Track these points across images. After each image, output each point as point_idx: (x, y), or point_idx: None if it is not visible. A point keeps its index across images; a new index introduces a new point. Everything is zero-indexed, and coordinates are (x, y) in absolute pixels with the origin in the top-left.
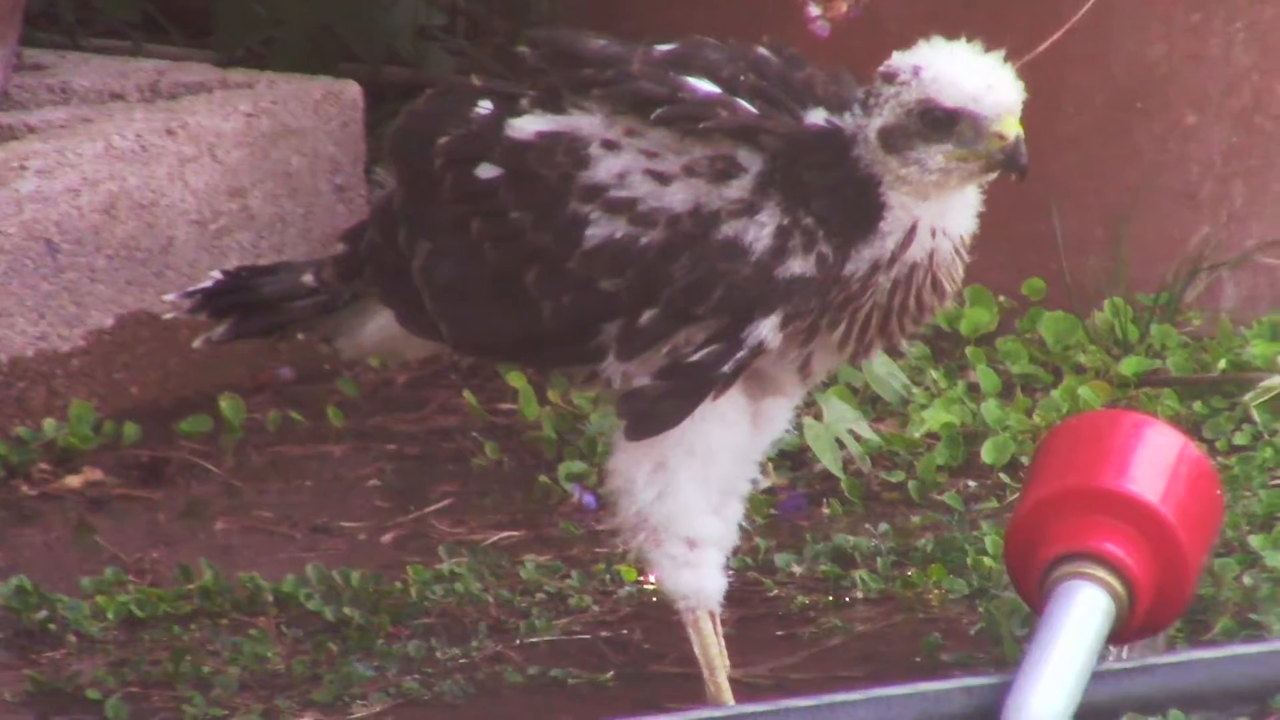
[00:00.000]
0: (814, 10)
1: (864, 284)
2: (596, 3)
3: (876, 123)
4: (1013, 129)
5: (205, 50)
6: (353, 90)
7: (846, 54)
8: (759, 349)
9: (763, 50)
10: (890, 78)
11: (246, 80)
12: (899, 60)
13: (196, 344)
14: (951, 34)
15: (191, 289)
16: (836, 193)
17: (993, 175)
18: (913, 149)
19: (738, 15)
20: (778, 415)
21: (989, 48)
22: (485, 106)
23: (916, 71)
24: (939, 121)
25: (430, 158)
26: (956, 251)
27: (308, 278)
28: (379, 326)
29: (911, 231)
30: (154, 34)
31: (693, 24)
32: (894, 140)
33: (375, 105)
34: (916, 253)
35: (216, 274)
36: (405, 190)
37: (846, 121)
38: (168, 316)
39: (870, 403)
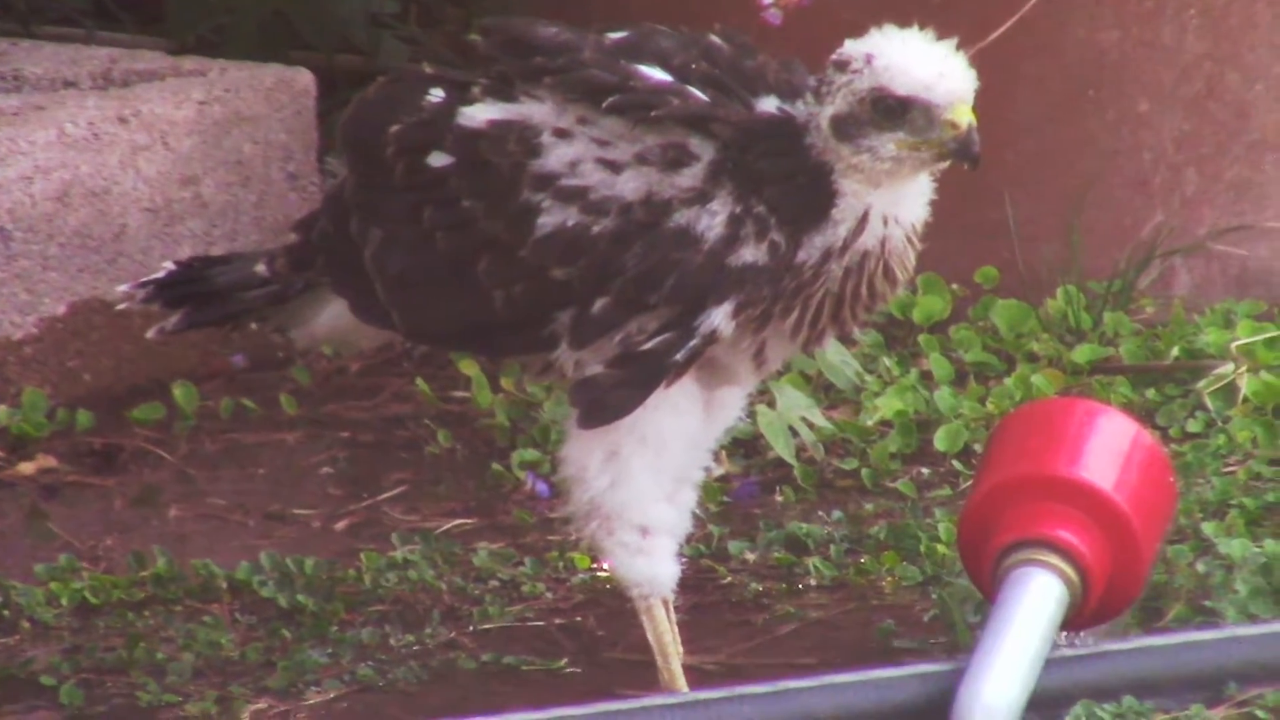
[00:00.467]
0: None
1: (816, 271)
2: None
3: (829, 111)
4: (965, 117)
5: (158, 38)
6: (305, 78)
7: (799, 42)
8: (711, 337)
9: (714, 38)
10: (842, 66)
11: (199, 68)
12: (851, 48)
13: (150, 334)
14: (904, 22)
15: (144, 279)
16: (789, 181)
17: (945, 164)
18: (865, 137)
19: (690, 3)
20: (731, 403)
21: (941, 36)
22: (437, 95)
23: (869, 59)
24: (891, 109)
25: (382, 146)
26: (909, 239)
27: (260, 268)
28: (332, 316)
29: (864, 219)
30: (106, 22)
31: (645, 11)
32: (846, 128)
33: (328, 93)
34: (868, 240)
35: (169, 265)
36: (357, 179)
37: (799, 110)
38: (121, 307)
39: (823, 390)
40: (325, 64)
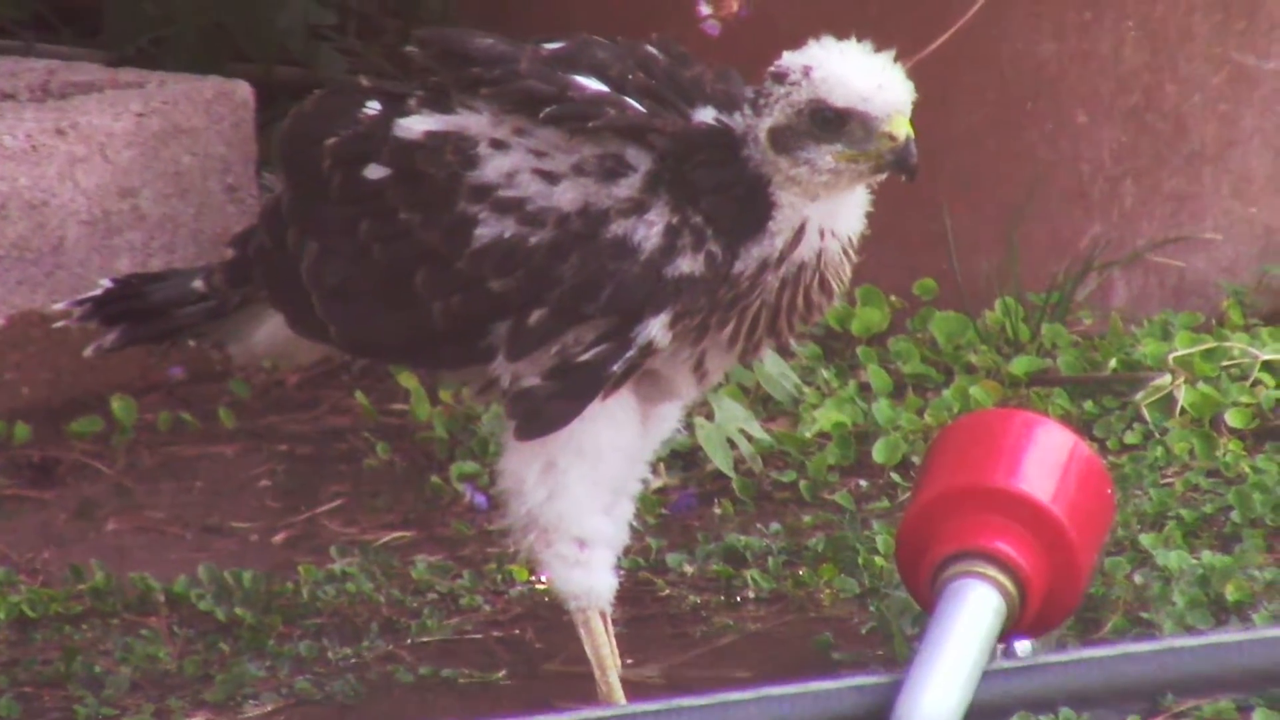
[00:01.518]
0: (704, 9)
1: (753, 282)
2: (488, 1)
3: (766, 122)
4: (903, 129)
5: (96, 50)
6: (244, 90)
7: (737, 53)
8: (649, 349)
9: (650, 48)
10: (780, 77)
11: (137, 80)
12: (789, 60)
13: (88, 352)
14: (842, 34)
15: (81, 297)
16: (725, 191)
17: (883, 176)
18: (803, 149)
19: (628, 13)
20: (668, 415)
21: (879, 48)
22: (373, 107)
23: (807, 71)
24: (829, 121)
25: (318, 158)
26: (845, 252)
27: (197, 283)
28: (269, 331)
29: (800, 231)
30: (45, 33)
31: (583, 21)
32: (784, 140)
33: (266, 105)
34: (805, 252)
35: (106, 282)
36: (293, 192)
37: (736, 121)
38: (57, 325)
39: (762, 402)
40: (264, 76)
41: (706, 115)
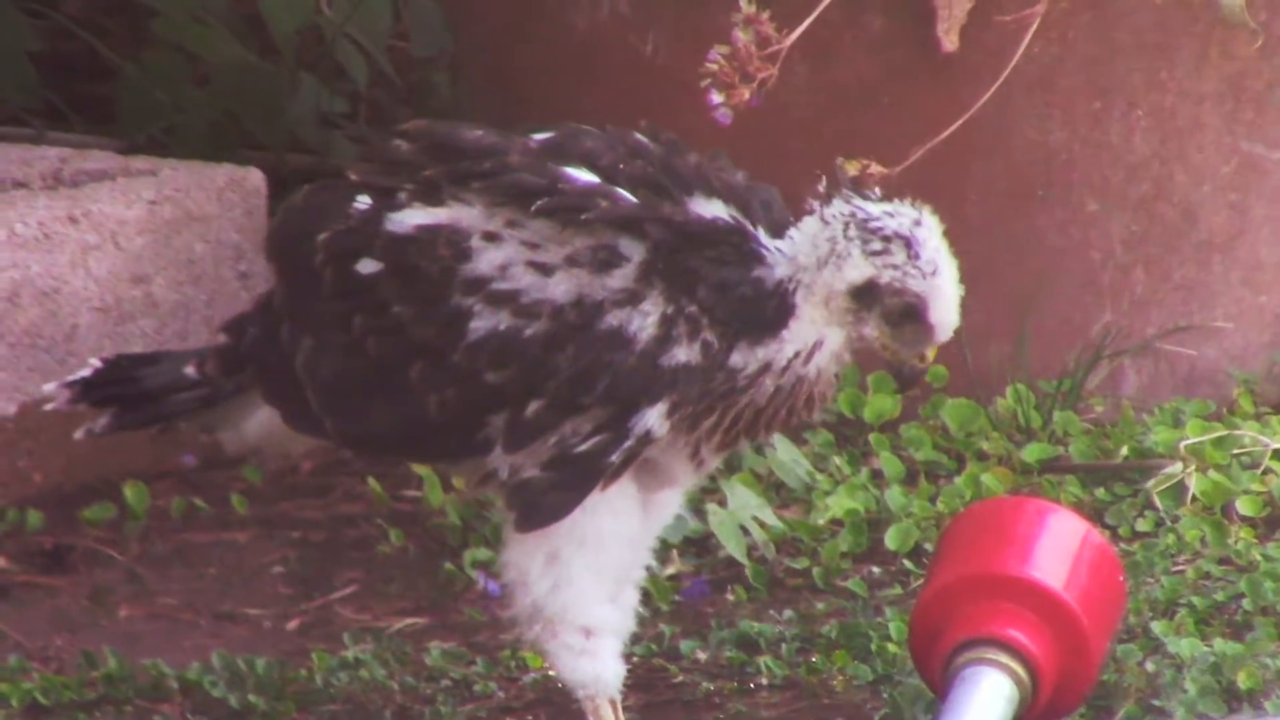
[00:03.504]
0: (716, 97)
1: (750, 381)
2: (497, 88)
3: (850, 275)
4: (933, 355)
5: (108, 138)
6: (256, 177)
7: (748, 141)
8: (647, 438)
9: (639, 136)
10: (873, 232)
11: (149, 167)
12: (885, 219)
13: (78, 435)
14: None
15: (70, 378)
16: (731, 290)
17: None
18: (868, 312)
19: (637, 100)
20: (668, 502)
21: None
22: (364, 201)
23: (914, 255)
24: (907, 319)
25: (310, 254)
26: (836, 374)
27: (189, 370)
28: (262, 421)
29: (812, 349)
30: (57, 121)
31: (593, 108)
32: (864, 296)
33: (278, 192)
34: (809, 368)
35: (95, 361)
36: (286, 287)
37: (786, 243)
38: (50, 407)
39: (774, 489)
40: (276, 163)
41: (706, 206)
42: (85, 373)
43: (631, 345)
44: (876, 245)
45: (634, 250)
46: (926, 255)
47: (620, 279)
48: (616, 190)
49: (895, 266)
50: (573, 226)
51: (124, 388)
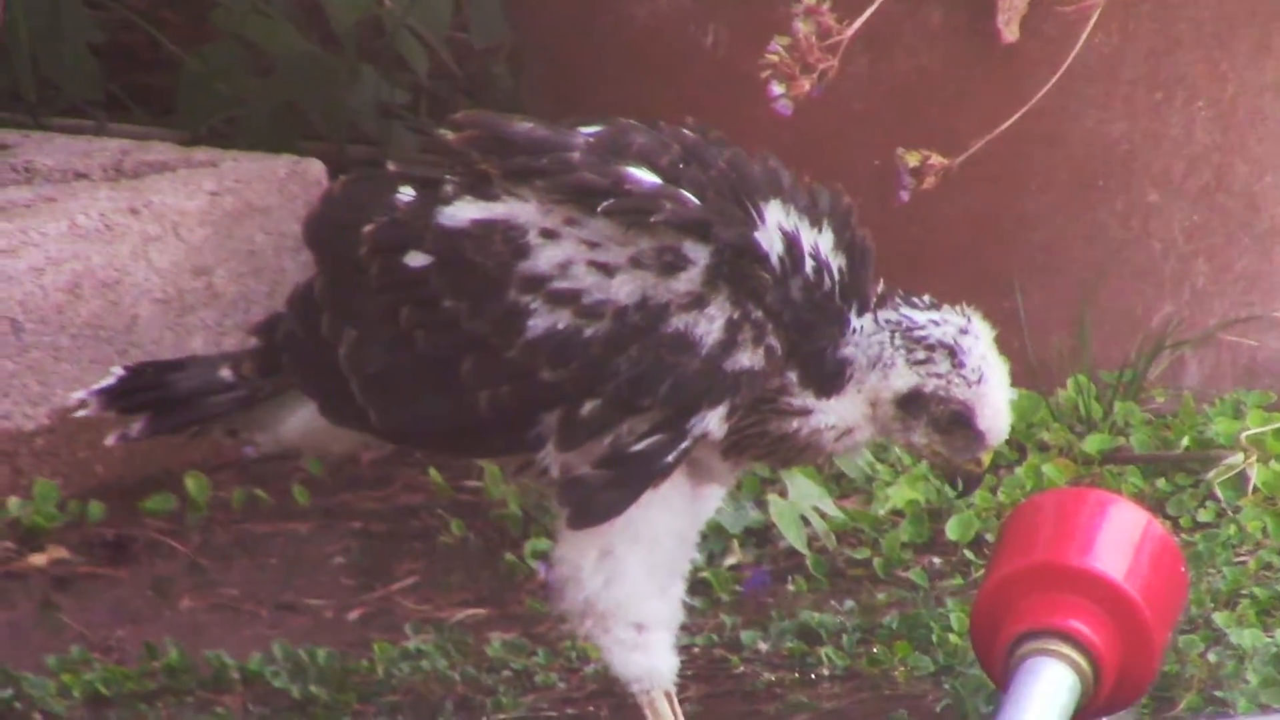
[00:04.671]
0: (776, 89)
1: (786, 406)
2: (556, 79)
3: (896, 384)
4: (988, 460)
5: (169, 129)
6: (316, 168)
7: (808, 132)
8: (704, 439)
9: (687, 132)
10: (918, 342)
11: (210, 159)
12: (934, 329)
13: (110, 441)
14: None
15: (96, 387)
16: (808, 312)
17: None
18: (915, 420)
19: (697, 91)
20: (712, 496)
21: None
22: (408, 193)
23: (959, 362)
24: (957, 427)
25: (353, 244)
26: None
27: (225, 372)
28: (301, 419)
29: (842, 431)
30: (117, 113)
31: (654, 101)
32: (910, 405)
33: None
34: (825, 439)
35: (118, 370)
36: (327, 278)
37: (855, 323)
38: (80, 415)
39: (835, 480)
40: (336, 154)
41: (777, 213)
42: (109, 381)
43: (696, 349)
44: (920, 355)
45: (698, 253)
46: (972, 363)
47: (686, 282)
48: (680, 192)
49: (940, 375)
50: (636, 228)
51: (158, 393)
